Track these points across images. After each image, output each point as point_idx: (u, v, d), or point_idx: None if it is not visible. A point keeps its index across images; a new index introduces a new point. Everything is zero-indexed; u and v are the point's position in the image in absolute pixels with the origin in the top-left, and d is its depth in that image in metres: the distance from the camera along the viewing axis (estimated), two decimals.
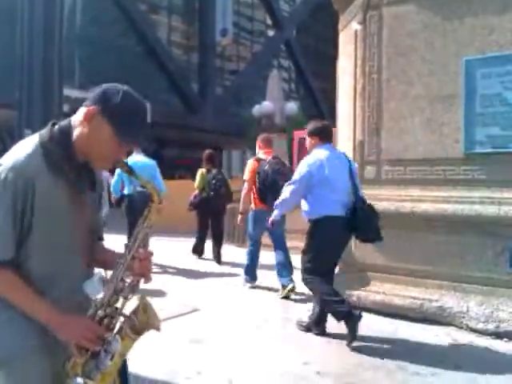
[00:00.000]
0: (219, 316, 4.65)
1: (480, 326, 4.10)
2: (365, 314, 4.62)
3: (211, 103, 29.41)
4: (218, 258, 7.66)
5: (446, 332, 4.17)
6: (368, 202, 4.13)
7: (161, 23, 29.51)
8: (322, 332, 4.11)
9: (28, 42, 18.52)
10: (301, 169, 4.17)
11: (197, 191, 7.61)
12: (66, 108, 18.34)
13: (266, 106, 13.17)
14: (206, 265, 7.54)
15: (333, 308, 3.90)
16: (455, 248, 4.38)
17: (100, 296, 1.56)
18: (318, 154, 4.17)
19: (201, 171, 7.63)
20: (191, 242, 8.15)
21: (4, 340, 1.49)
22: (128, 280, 1.57)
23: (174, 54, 29.40)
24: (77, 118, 1.56)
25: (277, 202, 4.37)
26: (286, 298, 5.31)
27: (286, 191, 4.21)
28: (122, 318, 1.55)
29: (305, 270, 4.13)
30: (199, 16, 30.73)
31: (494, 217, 4.16)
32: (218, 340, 4.01)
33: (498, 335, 4.01)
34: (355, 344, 3.76)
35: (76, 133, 1.55)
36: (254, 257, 5.88)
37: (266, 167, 5.47)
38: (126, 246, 1.61)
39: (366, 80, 4.96)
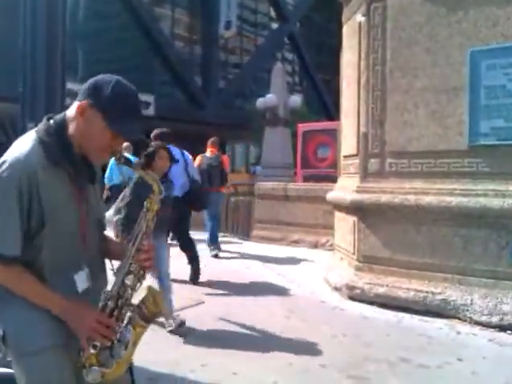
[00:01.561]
0: (223, 308, 4.66)
1: (484, 318, 4.10)
2: (369, 307, 4.65)
3: (215, 96, 29.37)
4: None
5: (450, 325, 4.17)
6: (197, 180, 5.91)
7: (164, 16, 29.45)
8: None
9: (31, 34, 18.49)
10: None
11: None
12: (68, 101, 18.32)
13: (270, 98, 13.06)
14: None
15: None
16: (459, 241, 4.37)
17: (109, 288, 1.60)
18: None
19: None
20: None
21: (28, 336, 1.54)
22: (134, 271, 1.61)
23: (177, 47, 29.34)
24: (70, 112, 1.60)
25: None
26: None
27: None
28: (131, 308, 1.58)
29: None
30: (203, 9, 30.63)
31: (498, 209, 4.15)
32: (223, 332, 4.02)
33: (501, 328, 4.01)
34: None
35: (71, 127, 1.58)
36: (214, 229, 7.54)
37: (205, 160, 7.39)
38: (129, 239, 1.63)
39: (369, 72, 4.94)
